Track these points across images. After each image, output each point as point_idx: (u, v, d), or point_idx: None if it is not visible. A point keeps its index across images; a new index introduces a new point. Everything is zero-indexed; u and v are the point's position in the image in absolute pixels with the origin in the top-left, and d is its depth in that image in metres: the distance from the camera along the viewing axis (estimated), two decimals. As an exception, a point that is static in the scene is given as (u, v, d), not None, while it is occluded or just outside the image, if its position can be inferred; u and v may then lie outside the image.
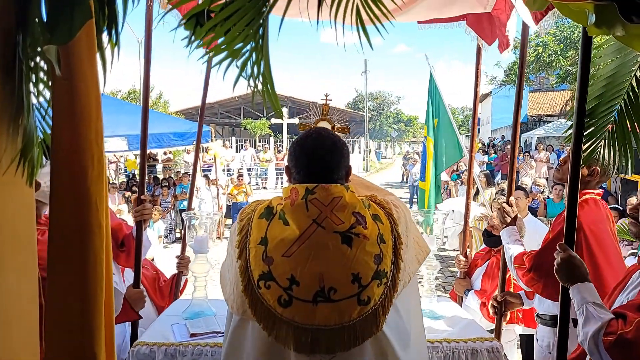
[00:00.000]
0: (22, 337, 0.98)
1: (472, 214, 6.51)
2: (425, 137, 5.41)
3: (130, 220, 3.01)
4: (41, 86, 0.95)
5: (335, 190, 1.48)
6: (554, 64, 21.13)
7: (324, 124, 2.36)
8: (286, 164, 1.63)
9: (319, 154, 1.53)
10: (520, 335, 3.35)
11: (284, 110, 22.66)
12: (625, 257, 3.97)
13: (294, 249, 1.41)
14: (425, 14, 2.97)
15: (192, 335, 2.22)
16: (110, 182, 11.25)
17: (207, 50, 0.98)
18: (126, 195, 9.80)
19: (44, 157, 1.05)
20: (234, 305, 1.48)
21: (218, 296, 2.79)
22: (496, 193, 5.46)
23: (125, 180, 13.09)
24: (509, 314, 3.04)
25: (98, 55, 0.94)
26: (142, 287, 2.49)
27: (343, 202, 1.47)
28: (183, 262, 2.88)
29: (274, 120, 25.23)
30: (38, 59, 0.89)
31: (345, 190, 1.50)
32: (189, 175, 11.87)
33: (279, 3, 0.96)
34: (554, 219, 2.77)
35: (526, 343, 3.37)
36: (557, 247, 1.79)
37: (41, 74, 0.93)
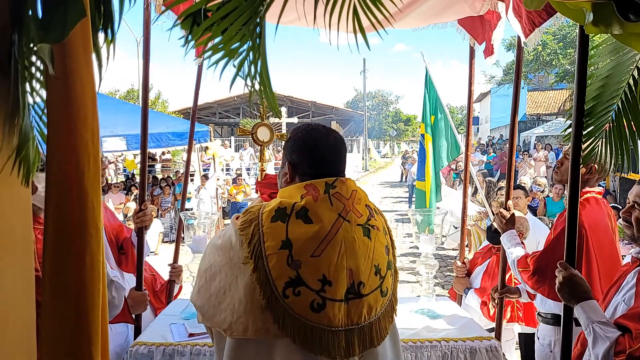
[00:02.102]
0: (18, 337, 0.97)
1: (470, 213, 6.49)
2: (423, 134, 5.34)
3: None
4: (37, 86, 0.94)
5: (351, 183, 1.46)
6: (553, 63, 21.16)
7: (263, 129, 2.35)
8: (282, 160, 1.54)
9: (333, 147, 1.48)
10: (519, 334, 3.35)
11: (283, 109, 22.55)
12: (624, 256, 3.97)
13: (323, 246, 1.33)
14: (420, 21, 3.04)
15: (191, 335, 2.22)
16: (110, 181, 11.23)
17: (204, 50, 0.98)
18: (135, 193, 9.78)
19: (42, 158, 1.05)
20: (247, 328, 1.29)
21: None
22: (497, 190, 5.43)
23: (123, 180, 13.07)
24: (509, 312, 3.04)
25: (94, 54, 0.94)
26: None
27: (359, 195, 1.45)
28: (175, 271, 2.86)
29: (272, 120, 25.18)
30: (34, 58, 0.89)
31: (355, 183, 1.49)
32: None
33: (275, 5, 0.95)
34: (555, 217, 2.77)
35: (525, 341, 3.37)
36: (557, 265, 1.78)
37: (37, 73, 0.92)
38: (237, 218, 1.41)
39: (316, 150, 1.47)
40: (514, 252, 2.54)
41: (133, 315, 2.33)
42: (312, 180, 1.42)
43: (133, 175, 13.37)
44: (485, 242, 3.61)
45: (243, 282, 1.31)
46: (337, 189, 1.41)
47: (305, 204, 1.37)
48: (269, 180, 1.89)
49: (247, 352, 1.32)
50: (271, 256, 1.30)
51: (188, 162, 3.27)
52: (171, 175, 12.45)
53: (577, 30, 1.70)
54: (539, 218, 6.25)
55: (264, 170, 1.92)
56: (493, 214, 3.33)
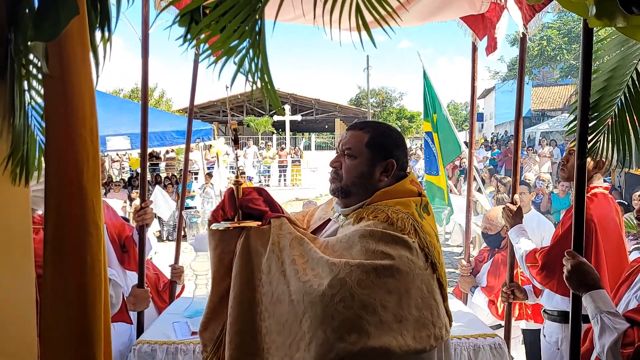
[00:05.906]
0: (18, 337, 0.97)
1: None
2: (430, 132, 5.37)
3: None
4: (39, 85, 0.94)
5: None
6: (558, 58, 21.01)
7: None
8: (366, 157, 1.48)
9: None
10: (524, 330, 3.33)
11: (287, 107, 22.61)
12: (630, 252, 3.96)
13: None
14: (418, 19, 3.01)
15: (194, 333, 2.22)
16: (113, 180, 11.28)
17: (204, 48, 0.97)
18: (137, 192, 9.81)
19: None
20: (447, 328, 1.34)
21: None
22: (498, 191, 5.43)
23: (126, 178, 13.12)
24: (517, 310, 3.02)
25: (91, 53, 0.94)
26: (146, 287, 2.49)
27: None
28: (176, 272, 2.86)
29: (276, 118, 25.22)
30: (31, 56, 0.89)
31: None
32: (191, 173, 11.89)
33: (275, 3, 0.94)
34: (562, 213, 2.75)
35: (530, 338, 3.35)
36: (565, 254, 1.74)
37: (35, 72, 0.92)
38: (384, 229, 1.34)
39: (406, 147, 1.58)
40: (522, 247, 2.51)
41: (130, 315, 2.33)
42: (411, 176, 1.54)
43: (137, 174, 13.43)
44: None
45: (430, 285, 1.33)
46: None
47: (426, 198, 1.52)
48: (251, 196, 1.53)
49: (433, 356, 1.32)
50: (435, 251, 1.39)
51: (186, 161, 3.26)
52: (175, 174, 12.50)
53: (582, 24, 1.68)
54: (543, 214, 6.24)
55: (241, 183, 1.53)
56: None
